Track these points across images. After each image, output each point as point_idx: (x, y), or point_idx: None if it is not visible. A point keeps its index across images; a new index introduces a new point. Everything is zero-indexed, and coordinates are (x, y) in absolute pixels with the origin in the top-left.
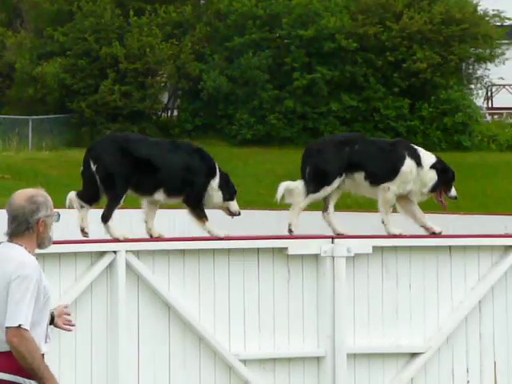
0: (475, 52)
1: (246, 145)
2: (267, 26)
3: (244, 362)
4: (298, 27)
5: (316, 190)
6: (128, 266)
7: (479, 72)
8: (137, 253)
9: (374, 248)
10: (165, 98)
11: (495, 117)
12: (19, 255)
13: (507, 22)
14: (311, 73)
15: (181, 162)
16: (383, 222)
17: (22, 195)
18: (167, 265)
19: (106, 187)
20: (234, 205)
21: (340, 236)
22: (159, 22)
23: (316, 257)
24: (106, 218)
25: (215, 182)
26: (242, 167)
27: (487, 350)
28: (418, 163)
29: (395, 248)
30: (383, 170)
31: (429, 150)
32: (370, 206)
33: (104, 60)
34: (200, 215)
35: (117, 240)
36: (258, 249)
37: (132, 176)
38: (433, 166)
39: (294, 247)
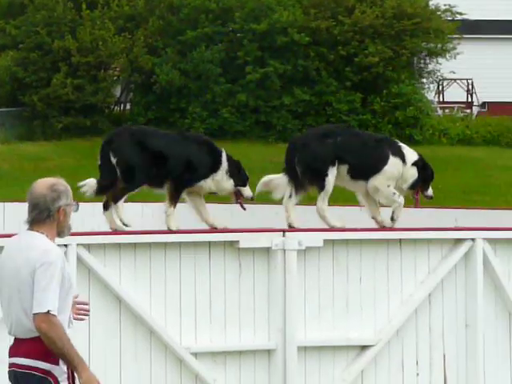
0: (427, 46)
1: None
2: (220, 20)
3: (195, 355)
4: (250, 21)
5: (321, 186)
6: (79, 259)
7: (431, 66)
8: (88, 246)
9: (325, 241)
10: (117, 91)
11: (446, 111)
12: (43, 243)
13: (458, 17)
14: (264, 67)
15: (187, 153)
16: (392, 219)
17: (43, 184)
18: (118, 258)
19: (125, 179)
20: (246, 190)
21: (291, 229)
22: (112, 15)
23: (267, 250)
24: (106, 207)
25: (222, 172)
26: None
27: (437, 343)
28: (403, 160)
29: (346, 241)
30: (365, 165)
31: None
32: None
33: (56, 53)
34: (173, 198)
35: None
36: (210, 242)
37: (150, 169)
38: (415, 163)
39: (246, 240)
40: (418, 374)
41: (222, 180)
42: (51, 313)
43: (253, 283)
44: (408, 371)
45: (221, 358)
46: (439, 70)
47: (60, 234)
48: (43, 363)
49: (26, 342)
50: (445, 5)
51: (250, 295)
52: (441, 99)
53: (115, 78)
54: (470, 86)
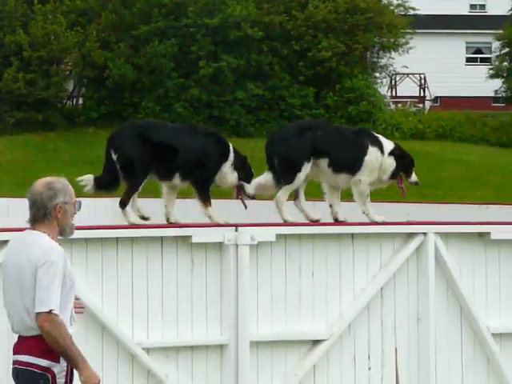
0: (379, 41)
1: None
2: (173, 15)
3: (147, 350)
4: (203, 15)
5: (290, 180)
6: None
7: (383, 61)
8: None
9: (278, 236)
10: (70, 86)
11: (399, 105)
12: (44, 242)
13: (411, 12)
14: (217, 61)
15: (195, 146)
16: (364, 213)
17: (41, 182)
18: (70, 253)
19: (125, 175)
20: (248, 187)
21: (244, 224)
22: (64, 9)
23: (220, 245)
24: (124, 204)
25: (228, 164)
26: None
27: (388, 337)
28: (381, 150)
29: (299, 236)
30: (346, 158)
31: None
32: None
33: (8, 48)
34: (205, 199)
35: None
36: (162, 237)
37: (151, 163)
38: (391, 153)
39: (198, 235)
40: (369, 368)
41: (227, 173)
42: (53, 312)
43: (205, 278)
44: (360, 365)
45: (173, 354)
46: (392, 65)
47: (62, 233)
48: (43, 360)
49: (27, 339)
50: (397, 0)
51: (202, 290)
52: (394, 94)
53: (67, 72)
54: (423, 81)
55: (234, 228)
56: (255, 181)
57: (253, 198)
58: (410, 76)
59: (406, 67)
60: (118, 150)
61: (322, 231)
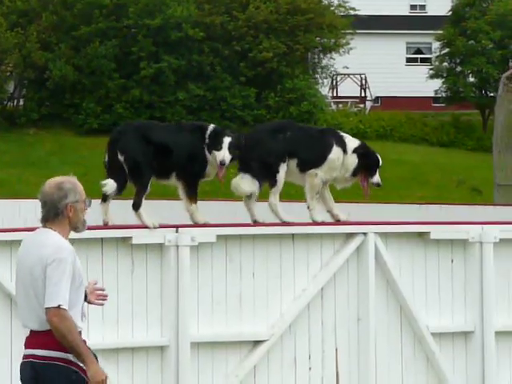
0: (320, 41)
1: (93, 134)
2: (114, 15)
3: None
4: (144, 16)
5: (274, 182)
6: None
7: (324, 61)
8: None
9: (218, 237)
10: (10, 87)
11: (340, 106)
12: (54, 240)
13: (351, 12)
14: (158, 62)
15: (184, 143)
16: (308, 208)
17: (51, 183)
18: (9, 255)
19: (133, 176)
20: (217, 154)
21: (184, 225)
22: (4, 10)
23: (160, 246)
24: (137, 206)
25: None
26: (88, 157)
27: (329, 337)
28: (344, 150)
29: (239, 237)
30: (313, 158)
31: None
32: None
33: None
34: (191, 195)
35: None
36: (102, 238)
37: (154, 162)
38: (354, 151)
39: (138, 237)
40: (310, 369)
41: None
42: (62, 307)
43: (145, 279)
44: (300, 366)
45: (113, 355)
46: (333, 65)
47: (75, 230)
48: (63, 353)
49: (43, 334)
50: (338, 0)
51: (142, 291)
52: (334, 94)
53: (8, 73)
54: (363, 81)
55: (175, 229)
56: (235, 181)
57: (222, 164)
58: (351, 76)
59: (347, 67)
60: (125, 150)
61: (262, 232)
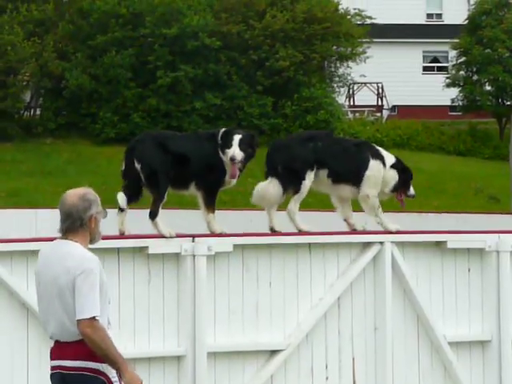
0: (337, 50)
1: (110, 143)
2: (130, 25)
3: None
4: (161, 26)
5: (297, 189)
6: None
7: (341, 70)
8: None
9: (235, 246)
10: (27, 96)
11: (357, 114)
12: (80, 251)
13: (368, 21)
14: (175, 71)
15: (202, 152)
16: (379, 223)
17: (74, 194)
18: (25, 266)
19: (149, 184)
20: (228, 151)
21: (201, 235)
22: (21, 19)
23: (177, 255)
24: (154, 215)
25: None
26: (105, 166)
27: (346, 347)
28: (383, 163)
29: (256, 246)
30: (346, 170)
31: None
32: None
33: None
34: (210, 205)
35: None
36: (118, 248)
37: (171, 172)
38: (393, 166)
39: (155, 246)
40: (327, 378)
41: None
42: (96, 318)
43: (162, 289)
44: (317, 375)
45: (130, 365)
46: (349, 74)
47: (92, 241)
48: (93, 363)
49: (71, 344)
50: (354, 9)
51: (159, 301)
52: (351, 103)
53: (25, 83)
54: (380, 90)
55: (191, 238)
56: (261, 187)
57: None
58: (368, 85)
59: (364, 76)
60: (142, 159)
61: (279, 241)
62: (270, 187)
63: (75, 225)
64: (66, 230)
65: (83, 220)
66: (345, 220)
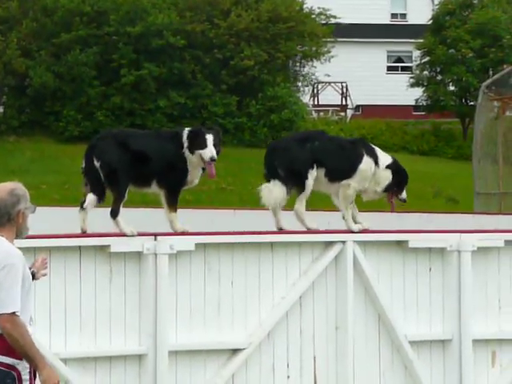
0: (301, 49)
1: (74, 141)
2: (95, 23)
3: (64, 360)
4: (125, 24)
5: (301, 189)
6: None
7: (305, 69)
8: None
9: (197, 245)
10: None
11: (321, 114)
12: (4, 245)
13: (333, 20)
14: (139, 69)
15: (164, 151)
16: (344, 218)
17: (2, 189)
18: None
19: (109, 183)
20: (203, 152)
21: (163, 233)
22: None
23: (139, 254)
24: (115, 213)
25: (186, 153)
26: (69, 164)
27: (307, 345)
28: (376, 162)
29: (218, 245)
30: (342, 167)
31: (256, 147)
32: (195, 203)
33: None
34: (173, 203)
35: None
36: (80, 247)
37: (131, 170)
38: (388, 166)
39: (117, 245)
40: (288, 377)
41: (193, 162)
42: (16, 313)
43: (124, 288)
44: (279, 374)
45: (91, 364)
46: (314, 74)
47: (19, 236)
48: (7, 358)
49: None
50: (319, 8)
51: (121, 300)
52: (315, 102)
53: None
54: (344, 89)
55: (153, 237)
56: (268, 187)
57: (212, 159)
58: (332, 84)
59: (328, 76)
60: (101, 156)
61: (241, 240)
62: (274, 189)
63: (3, 220)
64: None
65: (11, 215)
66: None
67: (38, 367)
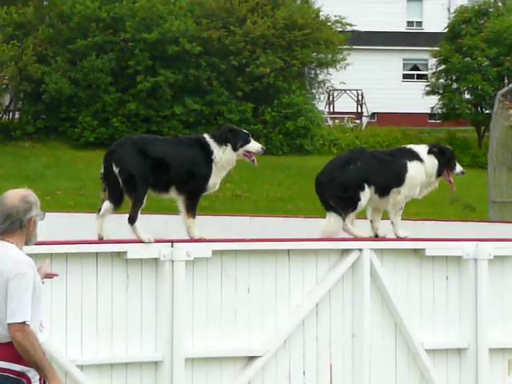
0: (317, 57)
1: (89, 148)
2: (111, 29)
3: (81, 367)
4: (141, 30)
5: (355, 209)
6: None
7: (321, 77)
8: None
9: (214, 252)
10: (6, 100)
11: (336, 121)
12: (15, 254)
13: (348, 28)
14: (155, 76)
15: (183, 156)
16: (392, 224)
17: (15, 195)
18: None
19: (127, 189)
20: (251, 146)
21: (180, 240)
22: (0, 23)
23: (155, 261)
24: (132, 220)
25: (219, 154)
26: (84, 170)
27: (323, 353)
28: (420, 160)
29: (234, 252)
30: (391, 182)
31: (271, 154)
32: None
33: None
34: (191, 210)
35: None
36: (97, 253)
37: (150, 176)
38: (429, 152)
39: (133, 251)
40: None
41: (222, 164)
42: (26, 323)
43: (140, 294)
44: (295, 382)
45: (107, 371)
46: (329, 81)
47: (28, 243)
48: (17, 365)
49: (3, 346)
50: (335, 16)
51: (137, 306)
52: (331, 110)
53: (4, 86)
54: (360, 97)
55: (170, 244)
56: (324, 226)
57: (262, 150)
58: (348, 92)
59: (344, 83)
60: (120, 162)
61: (258, 247)
62: (330, 223)
63: (14, 226)
64: (3, 230)
65: (23, 222)
66: (371, 221)
67: (47, 377)
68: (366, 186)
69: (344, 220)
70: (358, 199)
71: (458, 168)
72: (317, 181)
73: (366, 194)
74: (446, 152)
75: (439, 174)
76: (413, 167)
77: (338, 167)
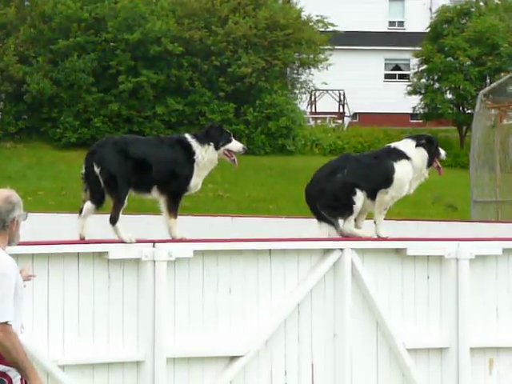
0: (299, 57)
1: (71, 148)
2: (92, 29)
3: (62, 367)
4: (123, 30)
5: (351, 213)
6: None
7: (303, 77)
8: None
9: (195, 252)
10: None
11: (318, 121)
12: None
13: (330, 28)
14: (137, 76)
15: (165, 156)
16: (375, 223)
17: None
18: None
19: (108, 189)
20: (232, 146)
21: (161, 240)
22: None
23: (137, 261)
24: (114, 220)
25: (201, 154)
26: (66, 171)
27: (305, 353)
28: (407, 158)
29: (216, 252)
30: (379, 185)
31: (253, 154)
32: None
33: None
34: (173, 210)
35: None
36: (78, 253)
37: (131, 176)
38: (417, 146)
39: (115, 252)
40: None
41: (205, 164)
42: (8, 323)
43: (122, 294)
44: (276, 381)
45: (89, 370)
46: (311, 81)
47: (10, 243)
48: (2, 366)
49: None
50: (317, 16)
51: (119, 306)
52: (313, 110)
53: None
54: (342, 97)
55: (152, 244)
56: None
57: (243, 150)
58: (329, 92)
59: (326, 83)
60: (101, 163)
61: (239, 247)
62: (322, 233)
63: None
64: None
65: (5, 222)
66: (374, 222)
67: (28, 378)
68: (358, 190)
69: (336, 229)
70: (353, 203)
71: (443, 152)
72: (306, 192)
73: (360, 197)
74: (432, 140)
75: (430, 164)
76: (400, 167)
77: (325, 177)
